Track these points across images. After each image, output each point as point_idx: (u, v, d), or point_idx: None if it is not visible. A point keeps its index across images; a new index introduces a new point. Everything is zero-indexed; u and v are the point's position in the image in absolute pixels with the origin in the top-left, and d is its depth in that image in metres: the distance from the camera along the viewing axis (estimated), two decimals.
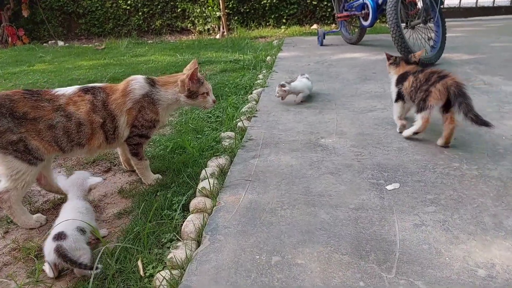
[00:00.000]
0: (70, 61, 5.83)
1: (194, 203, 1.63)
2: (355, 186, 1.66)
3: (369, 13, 4.70)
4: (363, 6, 4.85)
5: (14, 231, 1.71)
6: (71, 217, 1.43)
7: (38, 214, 1.75)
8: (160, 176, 2.05)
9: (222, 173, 1.92)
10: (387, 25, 3.71)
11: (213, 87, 3.85)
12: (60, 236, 1.33)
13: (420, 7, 3.86)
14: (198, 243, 1.42)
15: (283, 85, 2.90)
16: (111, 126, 1.81)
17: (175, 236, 1.48)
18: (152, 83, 1.91)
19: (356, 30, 5.59)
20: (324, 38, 5.68)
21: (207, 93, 1.98)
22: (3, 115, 1.57)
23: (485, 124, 1.74)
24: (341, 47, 5.52)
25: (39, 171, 1.74)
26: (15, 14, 8.23)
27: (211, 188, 1.70)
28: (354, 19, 5.58)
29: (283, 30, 8.28)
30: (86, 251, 1.36)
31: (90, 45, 7.77)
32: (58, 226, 1.39)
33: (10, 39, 7.86)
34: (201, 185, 1.76)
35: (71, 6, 8.59)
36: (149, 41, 7.97)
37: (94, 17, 8.75)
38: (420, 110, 1.99)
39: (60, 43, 8.11)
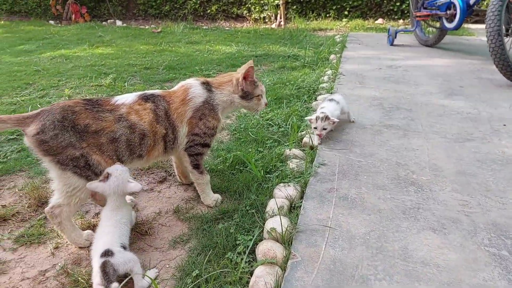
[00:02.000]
0: (127, 43, 5.78)
1: (263, 249, 1.36)
2: (469, 256, 1.30)
3: (456, 14, 4.11)
4: (449, 5, 4.25)
5: (64, 248, 1.56)
6: (116, 232, 1.38)
7: (89, 232, 1.59)
8: (220, 198, 1.82)
9: (292, 208, 1.64)
10: (485, 31, 3.16)
11: (271, 86, 3.57)
12: (107, 254, 1.27)
13: None
14: None
15: (327, 117, 2.16)
16: (172, 137, 1.66)
17: None
18: (208, 87, 1.76)
19: (435, 31, 4.98)
20: (395, 37, 5.14)
21: (262, 96, 1.84)
22: (65, 129, 1.41)
23: None
24: (414, 49, 4.95)
25: None
26: None
27: (283, 232, 1.42)
28: (433, 19, 4.96)
29: (344, 23, 7.73)
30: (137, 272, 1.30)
31: (146, 27, 7.73)
32: (104, 242, 1.33)
33: (73, 16, 8.01)
34: (269, 223, 1.49)
35: None
36: (204, 27, 7.78)
37: None
38: None
39: (118, 22, 8.15)
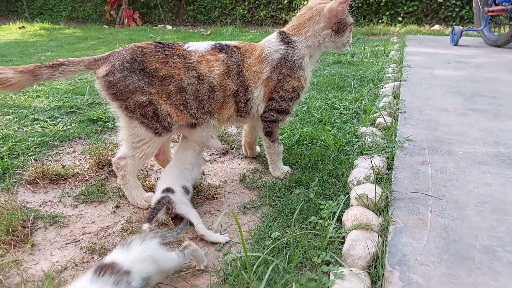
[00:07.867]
0: (178, 41, 5.87)
1: (354, 214, 1.16)
2: None
3: None
4: None
5: (125, 207, 1.45)
6: (177, 173, 1.40)
7: (150, 194, 1.46)
8: (289, 169, 1.65)
9: (380, 179, 1.42)
10: None
11: (330, 77, 3.40)
12: (168, 190, 1.31)
13: None
14: (371, 276, 0.95)
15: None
16: (243, 97, 1.45)
17: (333, 258, 1.03)
18: (285, 38, 1.47)
19: (505, 29, 4.58)
20: (460, 36, 4.79)
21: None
22: (134, 71, 1.30)
23: None
24: (483, 49, 4.57)
25: (161, 144, 1.46)
26: None
27: (376, 197, 1.21)
28: (505, 16, 4.55)
29: (398, 28, 7.43)
30: (193, 213, 1.29)
31: (196, 31, 7.88)
32: (165, 180, 1.37)
33: (126, 20, 8.35)
34: (358, 190, 1.28)
35: None
36: (253, 31, 7.80)
37: (202, 4, 8.89)
38: None
39: (169, 27, 8.39)
